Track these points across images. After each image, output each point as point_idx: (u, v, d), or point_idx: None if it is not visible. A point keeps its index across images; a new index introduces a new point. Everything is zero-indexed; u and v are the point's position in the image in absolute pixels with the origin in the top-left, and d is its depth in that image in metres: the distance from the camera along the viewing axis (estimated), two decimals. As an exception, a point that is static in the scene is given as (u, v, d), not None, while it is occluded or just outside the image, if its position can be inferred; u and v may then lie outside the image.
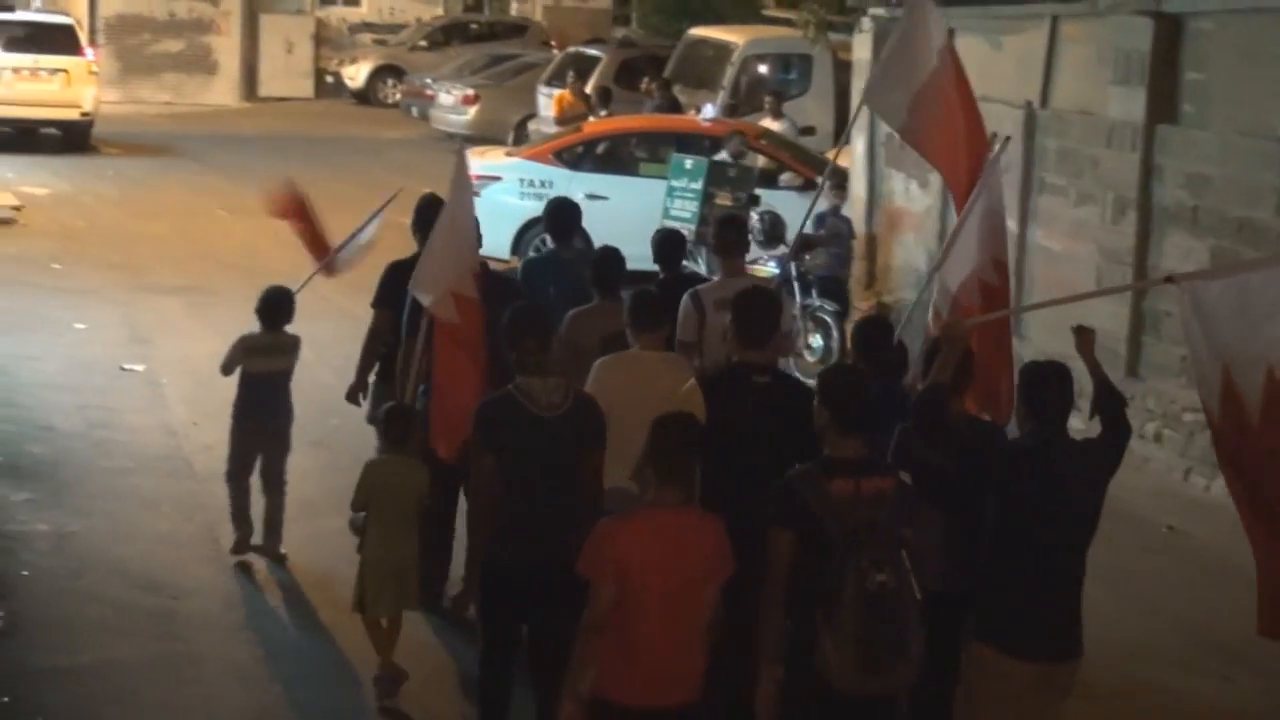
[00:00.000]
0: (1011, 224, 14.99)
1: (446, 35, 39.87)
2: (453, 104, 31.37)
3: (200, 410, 12.49)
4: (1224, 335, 6.55)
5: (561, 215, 10.34)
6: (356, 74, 38.76)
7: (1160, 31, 13.11)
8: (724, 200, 17.11)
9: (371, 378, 9.79)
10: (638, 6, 40.88)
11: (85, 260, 18.85)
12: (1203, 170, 12.63)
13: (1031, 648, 6.58)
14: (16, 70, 27.11)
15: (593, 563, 6.22)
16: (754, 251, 15.52)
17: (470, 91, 31.24)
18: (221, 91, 37.60)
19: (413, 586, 8.44)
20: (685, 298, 8.73)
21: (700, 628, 6.28)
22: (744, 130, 19.44)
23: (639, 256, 9.71)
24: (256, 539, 10.09)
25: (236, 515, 10.12)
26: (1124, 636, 9.58)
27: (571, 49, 31.53)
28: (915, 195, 17.59)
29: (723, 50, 26.54)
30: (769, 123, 21.48)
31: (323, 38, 40.35)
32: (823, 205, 16.76)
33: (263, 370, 10.08)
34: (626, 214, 16.85)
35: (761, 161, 18.93)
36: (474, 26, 41.09)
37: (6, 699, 8.08)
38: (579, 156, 19.43)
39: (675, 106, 23.82)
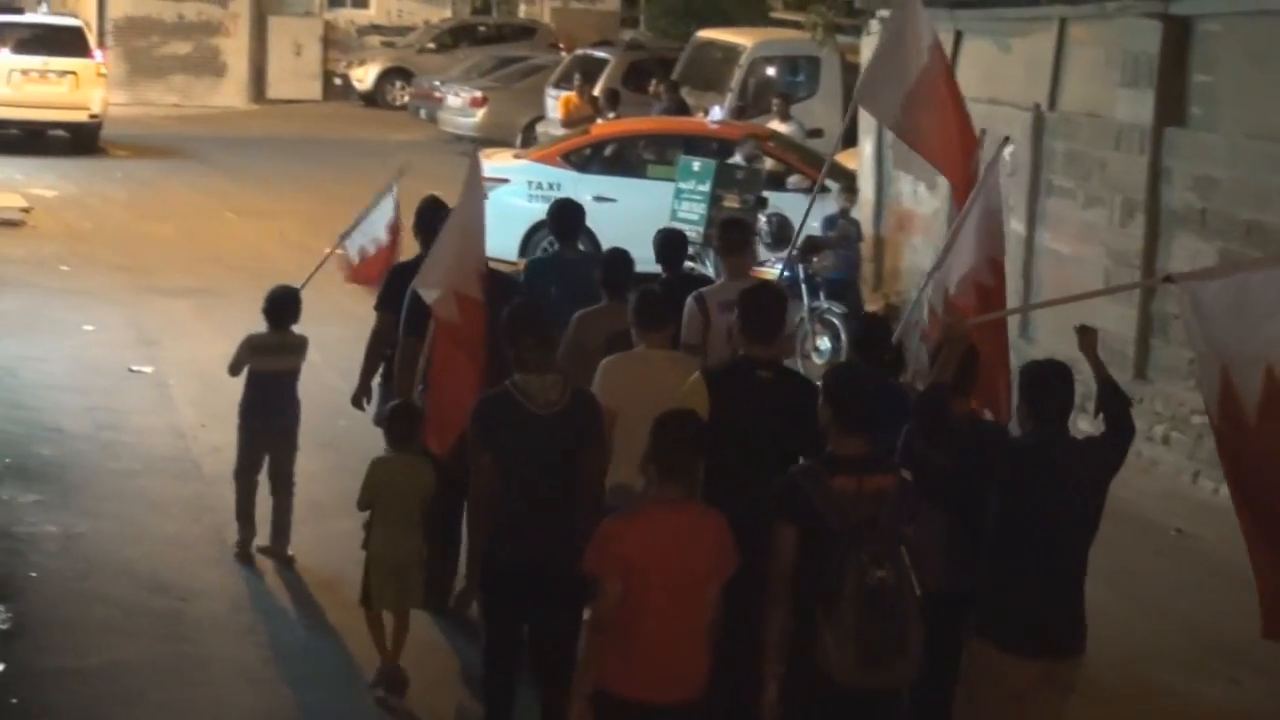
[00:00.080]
0: (1019, 226, 15.02)
1: (455, 37, 39.87)
2: (461, 106, 31.37)
3: (208, 412, 12.50)
4: (1223, 335, 6.56)
5: (565, 216, 10.35)
6: (365, 76, 38.78)
7: (1168, 34, 13.10)
8: (731, 202, 17.11)
9: (376, 380, 9.80)
10: (646, 9, 40.94)
11: (93, 262, 18.87)
12: (1211, 173, 12.62)
13: (1032, 645, 6.59)
14: (25, 72, 27.14)
15: (599, 560, 6.24)
16: (763, 254, 15.56)
17: (478, 94, 31.24)
18: (229, 93, 37.62)
19: (416, 584, 8.47)
20: (690, 300, 8.75)
21: (703, 625, 6.30)
22: (758, 134, 19.45)
23: (647, 259, 9.72)
24: (263, 540, 10.11)
25: (241, 514, 10.14)
26: (1132, 639, 9.57)
27: (579, 51, 31.54)
28: (923, 197, 17.58)
29: (731, 52, 26.54)
30: (777, 125, 21.51)
31: (331, 40, 40.37)
32: (832, 207, 16.81)
33: (270, 369, 10.09)
34: (634, 216, 16.82)
35: (769, 164, 18.93)
36: (482, 29, 41.12)
37: (14, 700, 8.08)
38: (587, 159, 19.44)
39: (683, 109, 23.81)
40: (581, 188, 17.94)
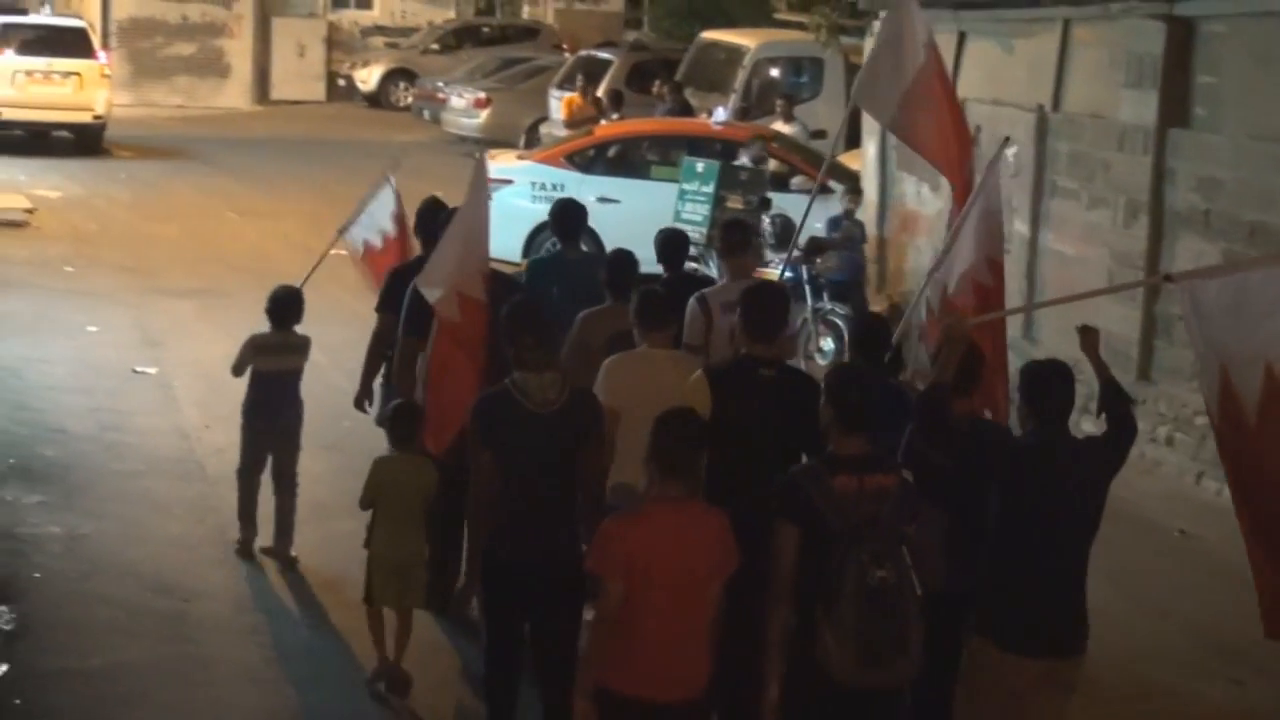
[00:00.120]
0: (1023, 227, 15.02)
1: (458, 38, 39.87)
2: (464, 107, 31.36)
3: (212, 413, 12.51)
4: (1222, 335, 6.57)
5: (567, 216, 10.36)
6: (368, 77, 38.79)
7: (1172, 35, 13.09)
8: (735, 204, 17.10)
9: (378, 381, 9.81)
10: (649, 10, 40.95)
11: (97, 263, 18.88)
12: (1215, 174, 12.62)
13: (1032, 645, 6.60)
14: (29, 73, 27.15)
15: (601, 560, 6.26)
16: (768, 255, 15.57)
17: (482, 95, 31.23)
18: (233, 95, 37.65)
19: (418, 583, 8.51)
20: (692, 301, 8.76)
21: (705, 624, 6.32)
22: (765, 135, 19.44)
23: (650, 260, 9.73)
24: (266, 541, 10.12)
25: (243, 514, 10.17)
26: (1134, 639, 9.58)
27: (583, 52, 31.54)
28: (927, 198, 17.57)
29: (734, 54, 26.53)
30: (780, 126, 21.51)
31: (334, 41, 40.40)
32: (836, 209, 16.81)
33: (272, 369, 10.11)
34: (638, 217, 16.80)
35: (773, 165, 18.93)
36: (486, 30, 41.11)
37: (17, 701, 8.09)
38: (590, 160, 19.44)
39: (687, 110, 23.82)
40: (585, 189, 17.93)
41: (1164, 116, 13.17)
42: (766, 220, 16.63)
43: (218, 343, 13.32)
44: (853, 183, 17.86)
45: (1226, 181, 12.48)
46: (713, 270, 15.48)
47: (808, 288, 15.31)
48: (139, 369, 14.25)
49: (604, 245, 14.76)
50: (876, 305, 17.18)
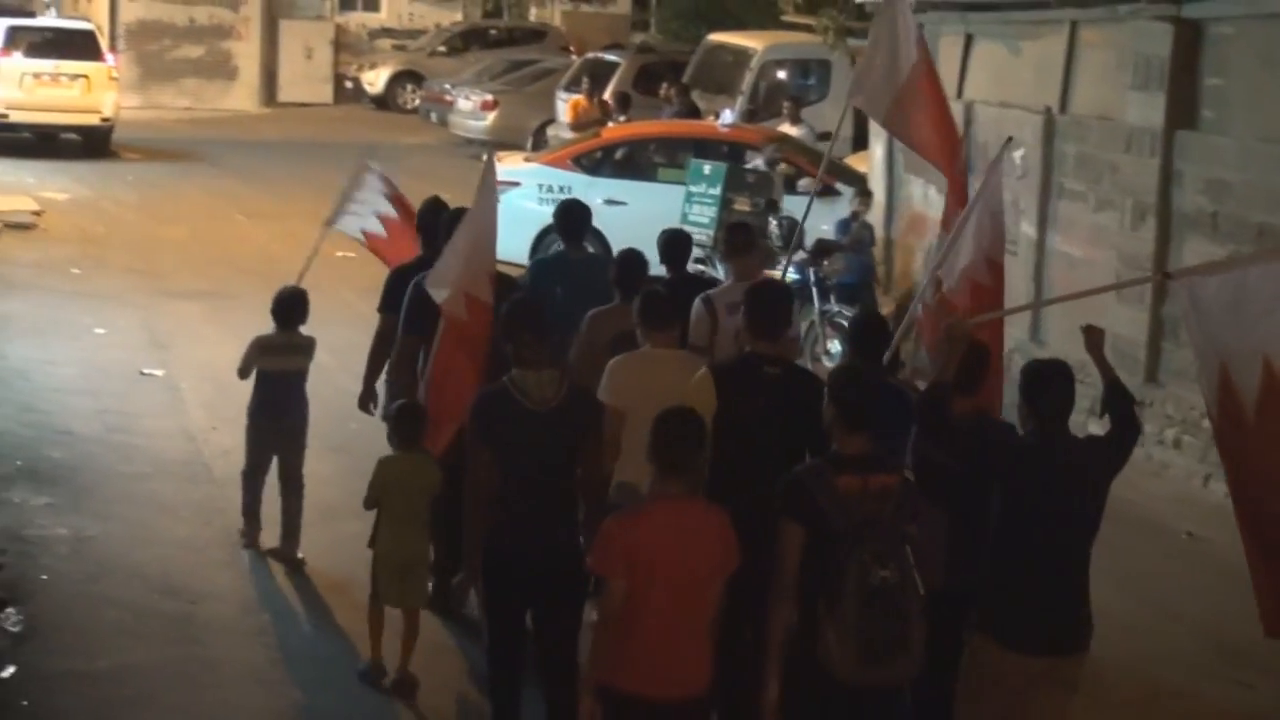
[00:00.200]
0: (1030, 229, 15.02)
1: (465, 41, 39.88)
2: (472, 109, 31.37)
3: (219, 415, 12.51)
4: (1221, 332, 6.58)
5: (571, 217, 10.38)
6: (376, 79, 38.81)
7: (1180, 37, 13.08)
8: (742, 206, 17.09)
9: (381, 381, 9.82)
10: (656, 12, 40.92)
11: (105, 265, 18.90)
12: (1222, 176, 12.60)
13: (1034, 642, 6.60)
14: (37, 75, 27.19)
15: (603, 559, 6.28)
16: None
17: (489, 97, 31.24)
18: (241, 97, 37.70)
19: (422, 583, 8.55)
20: (697, 301, 8.78)
21: (707, 622, 6.33)
22: (781, 138, 19.41)
23: (657, 262, 9.74)
24: (273, 543, 10.12)
25: (247, 512, 10.22)
26: (1142, 641, 9.57)
27: (590, 54, 31.56)
28: (934, 200, 17.54)
29: (741, 56, 26.54)
30: (787, 128, 21.52)
31: (342, 43, 40.42)
32: (844, 211, 16.81)
33: (277, 369, 10.13)
34: (645, 219, 16.76)
35: (785, 169, 18.92)
36: (493, 32, 41.12)
37: (25, 702, 8.09)
38: (598, 162, 19.45)
39: (694, 112, 23.81)
40: (592, 191, 17.91)
41: (1171, 118, 13.15)
42: (773, 223, 16.62)
43: (225, 344, 13.32)
44: (862, 185, 17.85)
45: (1234, 183, 12.47)
46: (719, 272, 15.47)
47: (815, 290, 15.29)
48: (146, 371, 14.26)
49: (611, 247, 14.74)
50: (884, 307, 17.16)
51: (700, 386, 7.22)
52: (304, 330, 10.28)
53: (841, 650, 6.20)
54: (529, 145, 27.98)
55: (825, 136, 22.85)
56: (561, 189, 18.40)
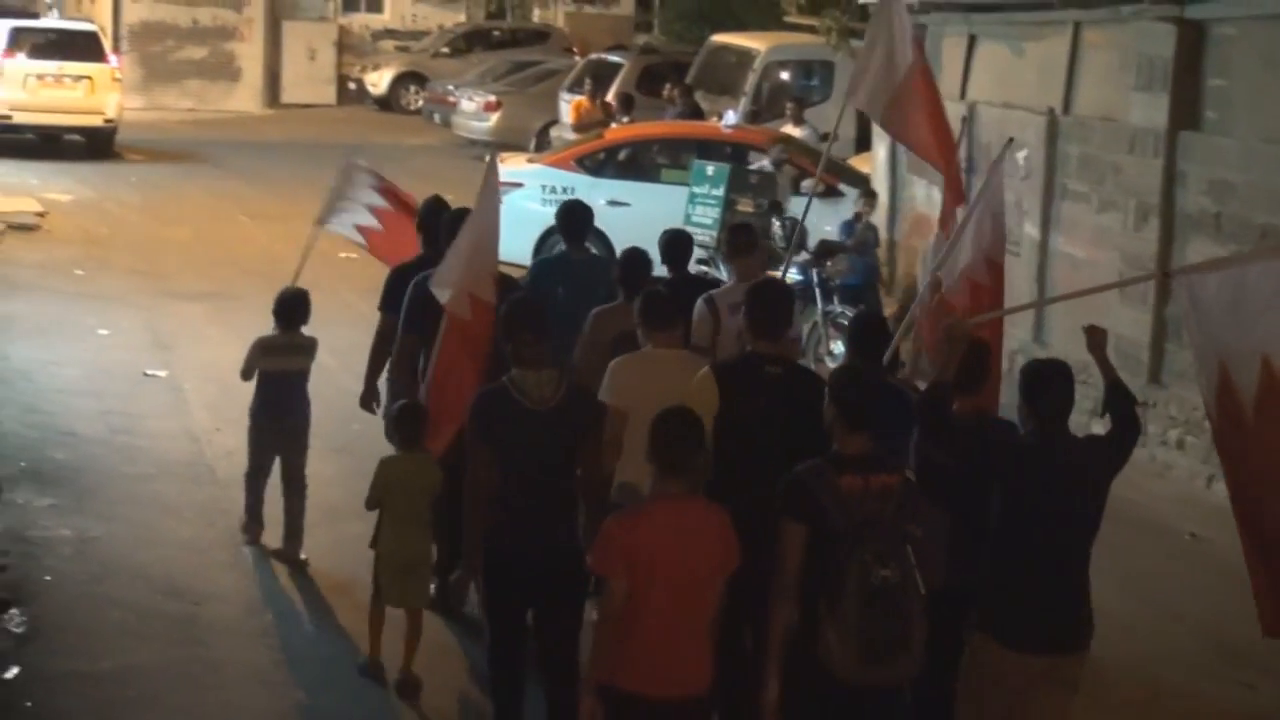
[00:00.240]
0: (1034, 230, 15.01)
1: (469, 42, 39.90)
2: (475, 110, 31.38)
3: (222, 416, 12.52)
4: (1221, 331, 6.58)
5: (573, 217, 10.38)
6: (379, 80, 38.83)
7: (1183, 38, 13.08)
8: (746, 207, 17.10)
9: (383, 380, 9.83)
10: (660, 13, 40.95)
11: (108, 266, 18.91)
12: (1226, 176, 12.60)
13: (1033, 641, 6.61)
14: (41, 77, 27.21)
15: (604, 559, 6.29)
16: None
17: (492, 98, 31.25)
18: (244, 98, 37.72)
19: (424, 583, 8.58)
20: (700, 302, 8.79)
21: (707, 621, 6.34)
22: (785, 139, 19.41)
23: (658, 263, 9.74)
24: (275, 544, 10.13)
25: (249, 511, 10.27)
26: (1145, 642, 9.58)
27: (593, 56, 31.56)
28: (937, 201, 17.41)
29: (745, 57, 26.54)
30: (790, 129, 21.51)
31: (345, 44, 40.45)
32: (848, 212, 16.80)
33: (279, 370, 10.15)
34: (648, 220, 16.76)
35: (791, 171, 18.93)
36: (496, 33, 41.14)
37: (28, 703, 8.10)
38: (601, 163, 19.44)
39: (697, 113, 23.81)
40: (595, 192, 17.91)
41: (1174, 119, 13.15)
42: (777, 224, 16.62)
43: (228, 346, 13.33)
44: (866, 187, 17.85)
45: (1237, 184, 12.47)
46: (723, 274, 15.47)
47: (818, 291, 15.29)
48: (150, 372, 14.27)
49: (614, 249, 14.75)
50: (888, 309, 17.17)
51: (702, 386, 7.23)
52: (306, 331, 10.29)
53: (842, 650, 6.21)
54: (532, 146, 27.99)
55: (828, 137, 22.90)
56: (565, 190, 18.39)
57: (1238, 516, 6.70)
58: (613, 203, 17.88)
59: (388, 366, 9.67)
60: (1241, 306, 6.51)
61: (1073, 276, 14.44)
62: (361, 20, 42.26)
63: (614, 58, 30.25)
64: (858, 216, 16.64)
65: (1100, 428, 7.30)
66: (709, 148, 19.13)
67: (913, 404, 7.13)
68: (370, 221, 11.13)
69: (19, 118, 27.05)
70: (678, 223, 16.46)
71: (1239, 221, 12.39)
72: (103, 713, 8.15)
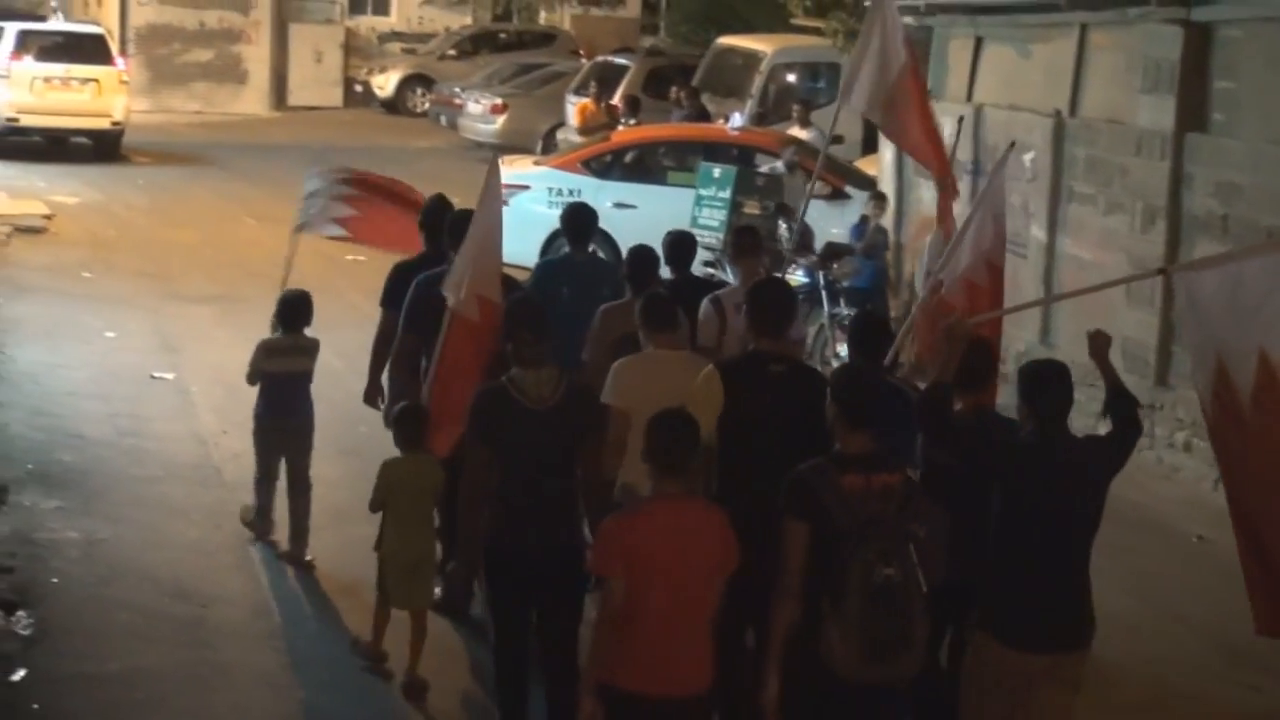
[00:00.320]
0: (1040, 232, 15.00)
1: (475, 44, 39.92)
2: (481, 113, 31.40)
3: (229, 418, 12.53)
4: (1218, 326, 6.58)
5: (577, 219, 10.40)
6: (385, 83, 38.86)
7: (1190, 40, 13.07)
8: (752, 209, 17.09)
9: (385, 377, 9.85)
10: (666, 15, 40.98)
11: (115, 268, 18.93)
12: (1233, 179, 12.60)
13: (1034, 640, 6.62)
14: (48, 79, 27.25)
15: (603, 560, 6.31)
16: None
17: (499, 100, 31.27)
18: (251, 100, 37.75)
19: (428, 583, 8.61)
20: (705, 302, 8.82)
21: (707, 620, 6.35)
22: (794, 141, 19.40)
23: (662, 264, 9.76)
24: (282, 545, 10.14)
25: (260, 511, 10.31)
26: (1150, 644, 9.58)
27: (600, 58, 31.57)
28: (942, 203, 17.53)
29: (751, 59, 26.54)
30: (797, 131, 21.50)
31: (352, 47, 40.48)
32: (854, 216, 16.80)
33: (282, 371, 10.18)
34: (654, 223, 16.74)
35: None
36: (503, 36, 41.17)
37: (35, 705, 8.11)
38: (607, 165, 19.44)
39: (704, 115, 23.82)
40: (602, 194, 17.92)
41: (1181, 121, 13.15)
42: (783, 226, 16.62)
43: (235, 348, 13.32)
44: (875, 190, 17.84)
45: (1244, 186, 12.46)
46: (729, 275, 15.48)
47: (824, 293, 15.28)
48: (157, 374, 14.29)
49: (620, 251, 14.76)
50: (895, 311, 17.16)
51: (709, 383, 7.24)
52: (310, 332, 10.32)
53: (845, 648, 6.22)
54: (539, 149, 28.01)
55: (835, 139, 22.90)
56: (571, 192, 18.40)
57: (1233, 513, 6.72)
58: (619, 205, 17.89)
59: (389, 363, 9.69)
60: (1239, 302, 6.52)
61: (1079, 278, 14.42)
62: (368, 23, 42.29)
63: (620, 60, 30.27)
64: (865, 219, 16.63)
65: (1104, 429, 7.32)
66: (715, 150, 19.13)
67: (913, 403, 7.14)
68: (345, 211, 11.16)
69: (26, 120, 27.09)
70: (684, 225, 16.49)
71: (1246, 223, 12.39)
72: (109, 715, 8.17)
